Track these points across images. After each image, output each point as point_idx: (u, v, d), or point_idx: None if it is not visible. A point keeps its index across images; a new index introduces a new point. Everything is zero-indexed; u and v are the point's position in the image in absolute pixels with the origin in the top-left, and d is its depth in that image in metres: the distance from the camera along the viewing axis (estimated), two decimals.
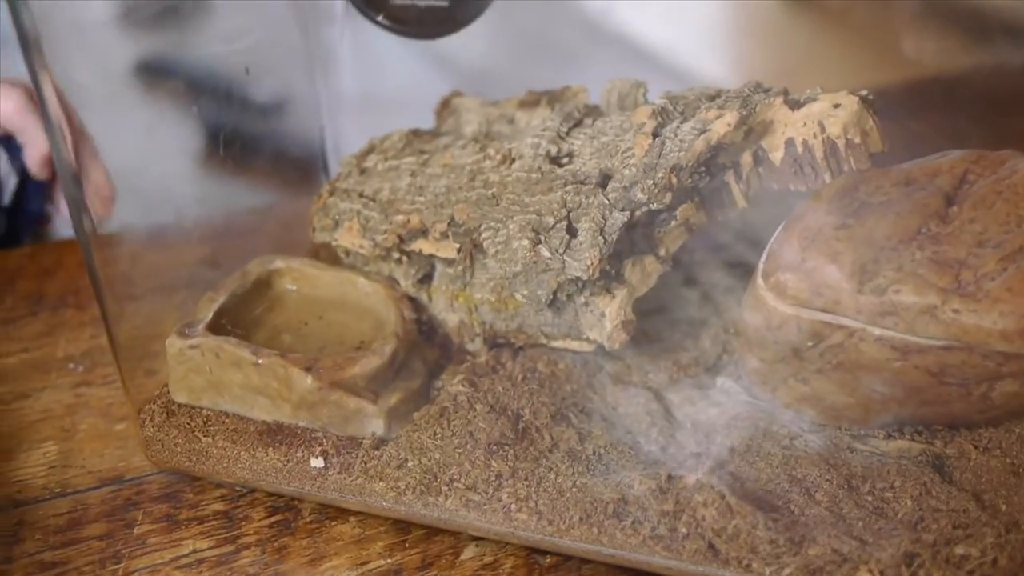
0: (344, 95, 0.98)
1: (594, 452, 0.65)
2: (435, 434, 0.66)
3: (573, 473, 0.64)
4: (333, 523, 0.67)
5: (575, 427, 0.67)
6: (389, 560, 0.64)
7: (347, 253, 0.75)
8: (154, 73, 0.86)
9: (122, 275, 0.81)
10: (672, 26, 1.02)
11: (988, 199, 0.63)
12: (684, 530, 0.60)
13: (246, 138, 0.91)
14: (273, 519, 0.67)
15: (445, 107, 0.81)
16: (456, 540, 0.65)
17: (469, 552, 0.65)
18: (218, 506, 0.68)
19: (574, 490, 0.63)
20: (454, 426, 0.67)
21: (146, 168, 0.84)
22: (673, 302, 0.76)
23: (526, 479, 0.64)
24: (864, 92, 0.67)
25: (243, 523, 0.67)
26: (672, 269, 0.74)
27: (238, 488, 0.69)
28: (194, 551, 0.65)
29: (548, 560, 0.64)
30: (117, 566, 0.64)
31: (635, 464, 0.64)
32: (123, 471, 0.71)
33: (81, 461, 0.72)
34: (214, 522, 0.67)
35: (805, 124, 0.67)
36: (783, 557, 0.59)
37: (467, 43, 1.02)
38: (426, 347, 0.72)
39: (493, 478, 0.64)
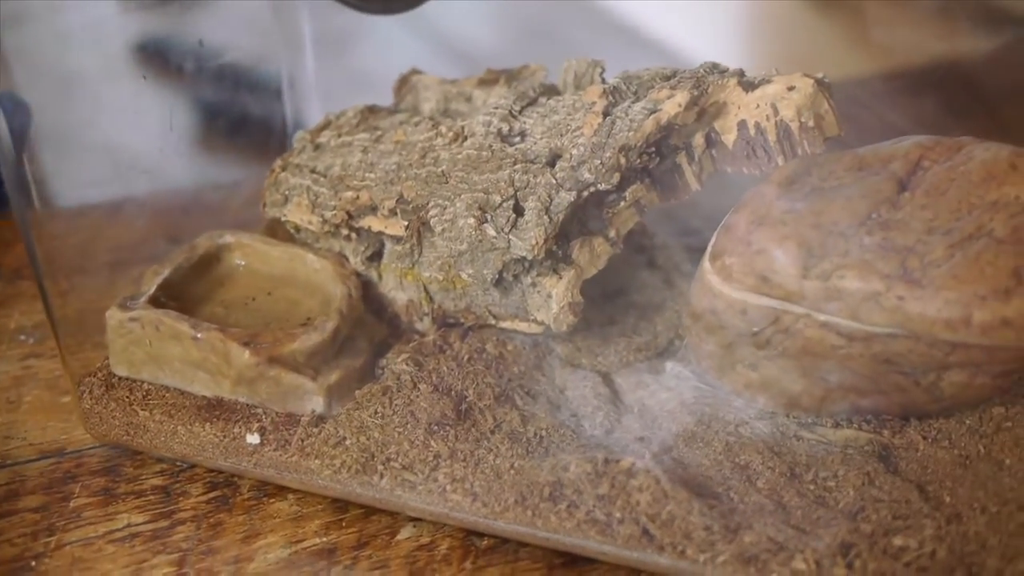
0: (313, 74, 0.97)
1: (535, 435, 0.64)
2: (376, 413, 0.65)
3: (512, 455, 0.63)
4: (271, 500, 0.66)
5: (519, 409, 0.66)
6: (324, 539, 0.64)
7: (297, 229, 0.74)
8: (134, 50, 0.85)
9: (78, 248, 0.80)
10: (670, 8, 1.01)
11: (941, 186, 0.62)
12: (619, 515, 0.59)
13: (212, 115, 0.90)
14: (211, 495, 0.67)
15: (403, 84, 0.80)
16: (393, 520, 0.65)
17: (406, 532, 0.64)
18: (157, 481, 0.68)
19: (511, 472, 0.62)
20: (396, 405, 0.66)
21: (106, 141, 0.84)
22: (629, 285, 0.75)
23: (464, 460, 0.63)
24: (820, 75, 0.66)
25: (180, 498, 0.66)
26: (629, 252, 0.73)
27: (177, 463, 0.68)
28: (128, 525, 0.65)
29: (485, 542, 0.63)
30: (50, 539, 0.64)
31: (576, 447, 0.63)
32: (65, 444, 0.71)
33: (23, 433, 0.71)
34: (151, 497, 0.67)
35: (758, 106, 0.65)
36: (717, 544, 0.58)
37: (451, 24, 1.01)
38: (373, 325, 0.71)
39: (431, 458, 0.63)
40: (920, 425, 0.64)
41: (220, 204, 0.91)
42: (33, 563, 0.62)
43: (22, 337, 0.81)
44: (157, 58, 0.85)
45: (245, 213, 0.85)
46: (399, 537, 0.64)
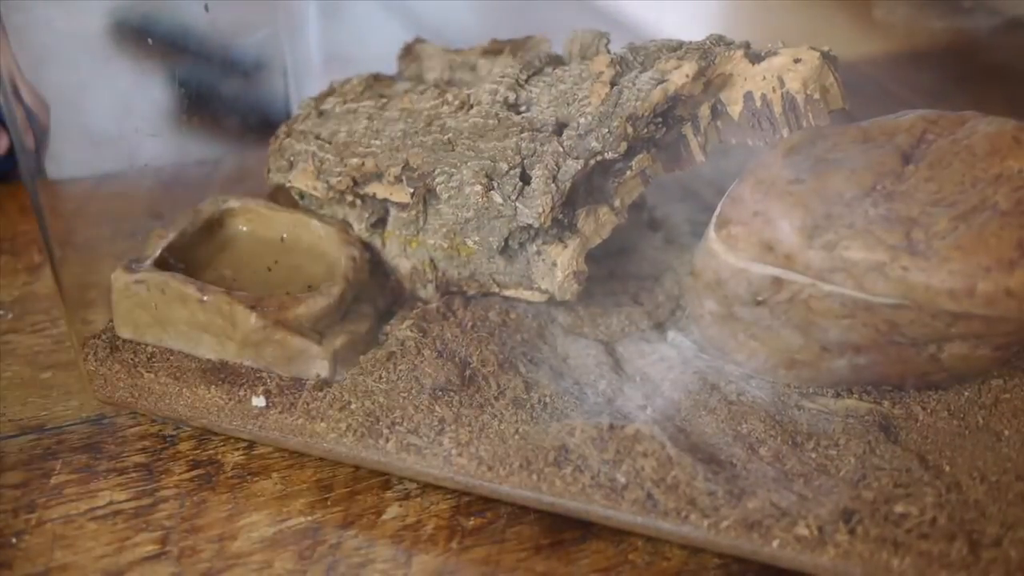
0: (312, 57, 0.97)
1: (539, 401, 0.65)
2: (380, 378, 0.66)
3: (517, 421, 0.63)
4: (255, 478, 0.65)
5: (522, 376, 0.66)
6: (309, 518, 0.63)
7: (301, 196, 0.74)
8: (125, 28, 0.84)
9: (63, 223, 0.79)
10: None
11: (945, 159, 0.63)
12: (623, 479, 0.60)
13: (207, 95, 0.89)
14: (194, 473, 0.66)
15: (408, 53, 0.80)
16: (379, 499, 0.64)
17: (392, 512, 0.63)
18: (139, 458, 0.67)
19: (516, 437, 0.62)
20: (400, 371, 0.66)
21: (90, 117, 0.83)
22: (631, 256, 0.76)
23: (469, 425, 0.63)
24: (825, 48, 0.66)
25: (163, 476, 0.66)
26: (631, 222, 0.74)
27: (179, 427, 0.68)
28: (111, 503, 0.64)
29: (472, 522, 0.63)
30: (30, 515, 0.63)
31: (580, 414, 0.64)
32: (45, 420, 0.70)
33: (2, 409, 0.70)
34: (133, 474, 0.66)
35: (764, 78, 0.66)
36: (721, 509, 0.58)
37: (446, 9, 1.00)
38: (377, 291, 0.71)
39: (436, 423, 0.63)
40: (919, 396, 0.65)
41: (203, 180, 0.90)
42: (14, 540, 0.61)
43: (0, 312, 0.79)
44: (136, 35, 0.84)
45: (231, 189, 0.84)
46: (385, 517, 0.63)
